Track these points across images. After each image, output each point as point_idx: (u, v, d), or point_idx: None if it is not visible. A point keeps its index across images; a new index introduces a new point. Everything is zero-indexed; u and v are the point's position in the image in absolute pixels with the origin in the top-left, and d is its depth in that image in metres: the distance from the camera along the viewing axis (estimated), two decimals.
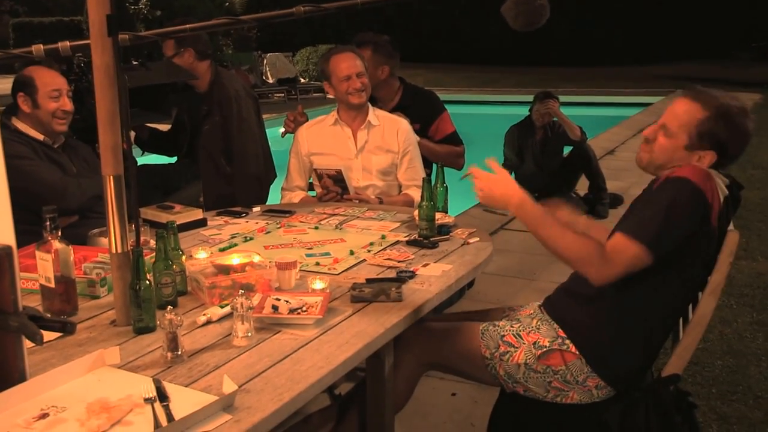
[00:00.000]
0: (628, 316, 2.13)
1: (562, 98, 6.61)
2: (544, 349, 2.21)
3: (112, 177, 1.89)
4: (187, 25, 2.59)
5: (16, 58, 2.20)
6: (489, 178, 2.24)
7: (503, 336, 2.28)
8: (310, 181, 3.60)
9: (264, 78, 16.45)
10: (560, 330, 2.23)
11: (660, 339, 2.22)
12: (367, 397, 2.29)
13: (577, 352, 2.18)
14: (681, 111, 2.12)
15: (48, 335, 1.79)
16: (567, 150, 6.47)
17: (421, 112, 3.98)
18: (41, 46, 2.18)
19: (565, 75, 19.50)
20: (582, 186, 6.56)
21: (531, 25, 2.54)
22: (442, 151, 3.95)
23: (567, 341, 2.21)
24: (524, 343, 2.24)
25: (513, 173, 6.59)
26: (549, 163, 6.35)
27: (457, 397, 3.18)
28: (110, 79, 1.84)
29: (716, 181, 2.10)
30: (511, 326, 2.31)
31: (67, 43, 2.17)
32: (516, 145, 6.42)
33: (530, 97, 6.57)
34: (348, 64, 3.37)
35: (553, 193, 6.25)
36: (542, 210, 2.15)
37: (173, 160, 4.40)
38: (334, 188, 3.36)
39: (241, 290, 1.90)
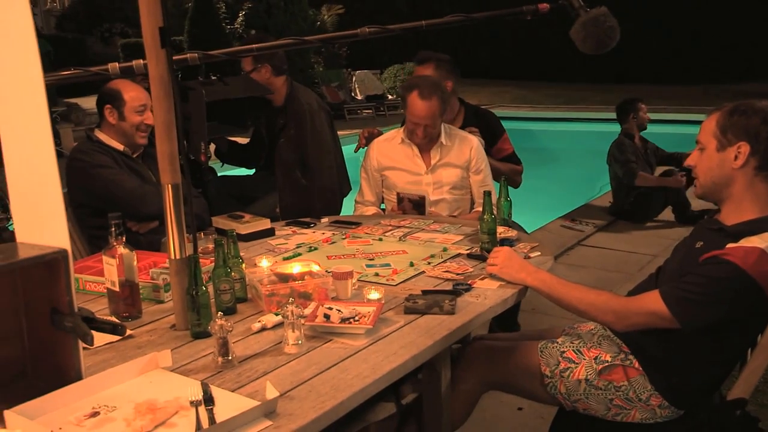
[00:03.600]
0: (698, 337, 2.05)
1: (656, 115, 6.61)
2: (606, 364, 2.16)
3: (170, 185, 1.94)
4: (254, 45, 2.66)
5: (95, 75, 2.31)
6: (505, 254, 2.37)
7: (563, 352, 2.24)
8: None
9: (353, 95, 16.67)
10: (624, 345, 2.18)
11: (730, 360, 2.13)
12: (424, 410, 2.29)
13: (641, 368, 2.13)
14: (705, 124, 2.10)
15: (110, 337, 1.87)
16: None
17: (485, 132, 3.96)
18: (116, 64, 2.31)
19: (652, 92, 18.87)
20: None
21: (601, 48, 2.43)
22: (505, 169, 3.95)
23: (630, 356, 2.15)
24: (585, 359, 2.20)
25: (626, 187, 6.38)
26: (654, 161, 6.48)
27: (524, 412, 3.13)
28: (165, 89, 1.89)
29: None
30: (571, 342, 2.27)
31: (116, 65, 2.28)
32: (624, 158, 6.26)
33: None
34: (418, 116, 3.31)
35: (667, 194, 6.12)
36: (553, 275, 2.29)
37: (252, 171, 4.52)
38: (411, 212, 3.39)
39: (291, 299, 1.92)
